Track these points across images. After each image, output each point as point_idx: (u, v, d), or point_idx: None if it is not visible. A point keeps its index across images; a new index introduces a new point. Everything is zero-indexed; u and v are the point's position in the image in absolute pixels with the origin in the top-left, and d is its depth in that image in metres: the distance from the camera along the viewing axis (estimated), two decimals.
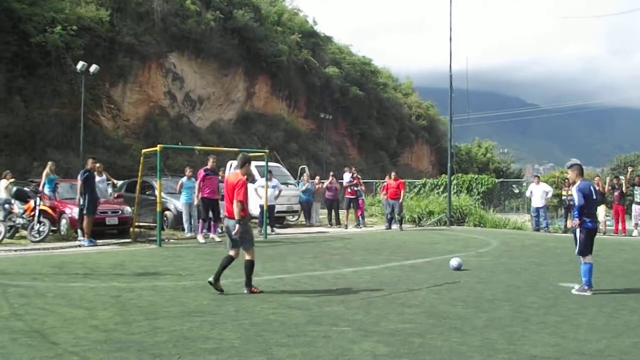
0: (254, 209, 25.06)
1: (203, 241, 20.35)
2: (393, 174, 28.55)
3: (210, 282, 10.87)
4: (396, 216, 27.44)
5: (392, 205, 27.37)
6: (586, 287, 11.60)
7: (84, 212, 18.99)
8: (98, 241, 19.24)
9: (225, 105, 64.67)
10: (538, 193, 27.24)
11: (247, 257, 10.98)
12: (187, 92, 60.08)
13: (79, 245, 18.49)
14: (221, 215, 19.37)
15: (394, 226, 27.50)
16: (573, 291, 11.70)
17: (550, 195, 27.73)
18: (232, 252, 11.06)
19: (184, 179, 22.47)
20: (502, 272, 14.19)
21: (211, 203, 20.53)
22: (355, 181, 28.43)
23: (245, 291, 10.92)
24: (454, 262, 14.60)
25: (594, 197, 11.78)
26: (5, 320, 8.46)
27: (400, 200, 27.34)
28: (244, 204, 10.90)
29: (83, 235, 19.10)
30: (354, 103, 78.02)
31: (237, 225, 10.74)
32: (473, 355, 7.09)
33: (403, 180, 29.11)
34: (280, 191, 25.86)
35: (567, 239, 23.24)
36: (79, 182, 19.22)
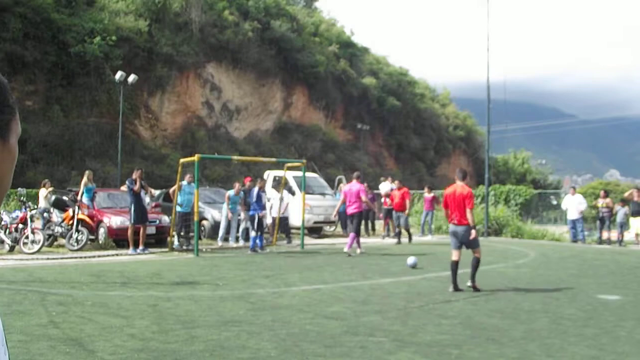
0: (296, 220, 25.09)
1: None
2: (396, 182, 28.09)
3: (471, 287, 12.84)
4: (395, 228, 26.17)
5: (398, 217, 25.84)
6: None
7: (134, 222, 19.27)
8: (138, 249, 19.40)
9: (262, 115, 65.06)
10: (573, 205, 26.88)
11: (476, 255, 12.96)
12: (225, 102, 60.61)
13: (116, 254, 18.67)
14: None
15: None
16: (248, 252, 19.24)
17: (584, 207, 27.08)
18: (455, 256, 12.93)
19: (231, 192, 22.86)
20: (540, 284, 14.08)
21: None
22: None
23: (469, 283, 12.87)
24: (410, 260, 16.50)
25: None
26: (43, 328, 8.52)
27: (407, 211, 25.93)
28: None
29: (136, 246, 19.38)
30: (391, 113, 78.02)
31: (473, 231, 12.69)
32: None
33: (407, 189, 27.59)
34: (287, 204, 25.40)
35: (605, 250, 23.08)
36: (127, 191, 19.77)
